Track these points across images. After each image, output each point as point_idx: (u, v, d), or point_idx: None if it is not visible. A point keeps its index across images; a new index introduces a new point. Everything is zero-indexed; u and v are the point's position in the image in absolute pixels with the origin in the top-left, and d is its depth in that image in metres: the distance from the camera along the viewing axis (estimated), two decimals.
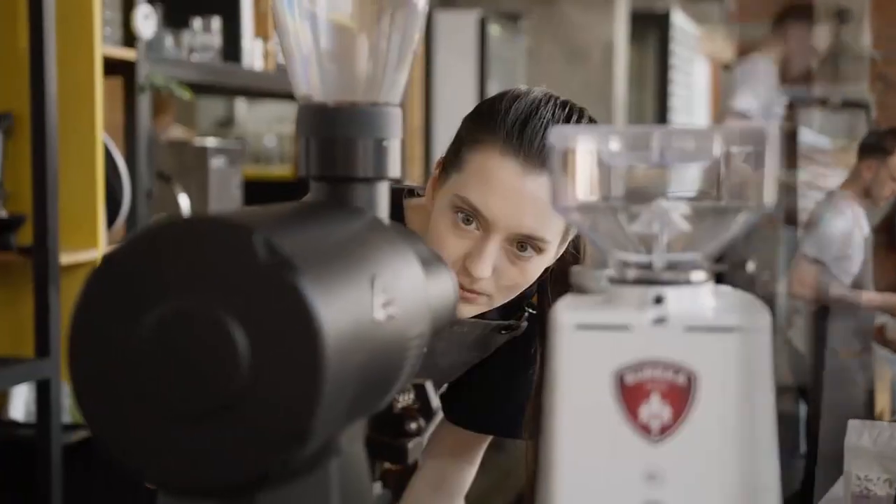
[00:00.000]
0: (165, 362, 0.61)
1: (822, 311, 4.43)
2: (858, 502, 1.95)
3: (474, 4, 5.18)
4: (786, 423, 4.15)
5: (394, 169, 0.82)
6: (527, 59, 5.41)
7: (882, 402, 4.59)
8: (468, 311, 1.32)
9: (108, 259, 0.63)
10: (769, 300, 4.67)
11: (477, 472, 1.60)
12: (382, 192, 0.82)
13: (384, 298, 0.69)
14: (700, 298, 0.70)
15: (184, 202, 2.99)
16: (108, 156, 2.60)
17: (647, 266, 0.71)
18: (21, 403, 2.66)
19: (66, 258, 2.44)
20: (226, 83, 3.23)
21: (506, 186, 1.25)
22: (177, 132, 4.08)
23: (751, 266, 3.61)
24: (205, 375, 0.60)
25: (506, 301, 1.34)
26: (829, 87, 8.37)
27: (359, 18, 0.83)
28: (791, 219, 4.98)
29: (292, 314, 0.60)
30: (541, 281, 1.38)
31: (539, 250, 1.28)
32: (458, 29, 5.05)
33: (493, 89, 6.55)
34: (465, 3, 5.30)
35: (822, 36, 4.67)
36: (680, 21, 7.67)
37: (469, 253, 1.28)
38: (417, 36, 0.85)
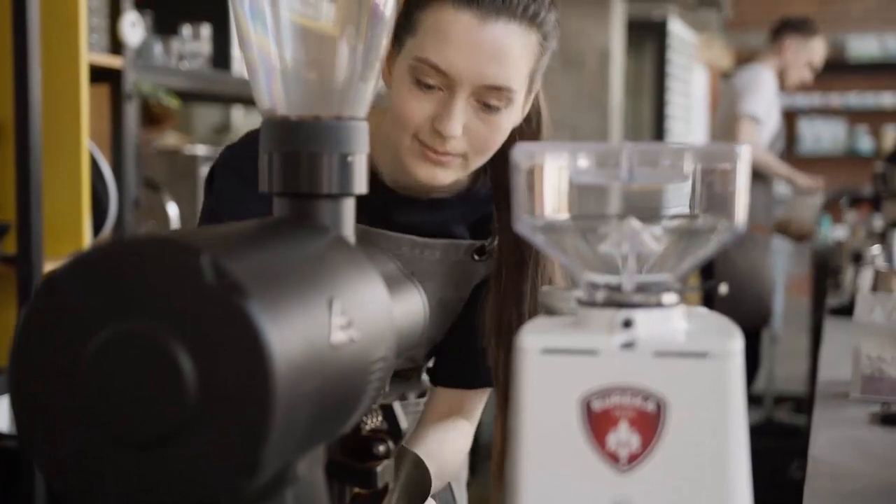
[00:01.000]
0: (109, 387, 0.59)
1: None
2: (870, 384, 1.80)
3: None
4: None
5: (360, 185, 0.79)
6: None
7: None
8: (445, 175, 1.30)
9: (52, 279, 0.61)
10: (764, 314, 4.67)
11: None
12: (348, 209, 0.79)
13: (343, 321, 0.67)
14: (671, 322, 0.67)
15: (172, 211, 2.96)
16: (95, 164, 2.58)
17: (617, 287, 0.68)
18: (5, 413, 2.64)
19: (50, 267, 2.41)
20: (215, 91, 3.21)
21: (464, 38, 1.22)
22: (171, 139, 4.06)
23: (723, 288, 3.64)
24: (149, 402, 0.58)
25: (481, 164, 1.31)
26: None
27: (322, 28, 0.80)
28: (783, 228, 4.99)
29: (240, 339, 0.57)
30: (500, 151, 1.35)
31: (507, 101, 1.25)
32: None
33: None
34: None
35: (818, 48, 4.70)
36: (677, 29, 7.64)
37: (436, 114, 1.25)
38: (384, 44, 0.83)
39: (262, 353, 0.57)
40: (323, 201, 0.78)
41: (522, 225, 0.69)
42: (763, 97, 4.56)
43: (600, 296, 0.68)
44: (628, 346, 0.65)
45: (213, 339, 0.57)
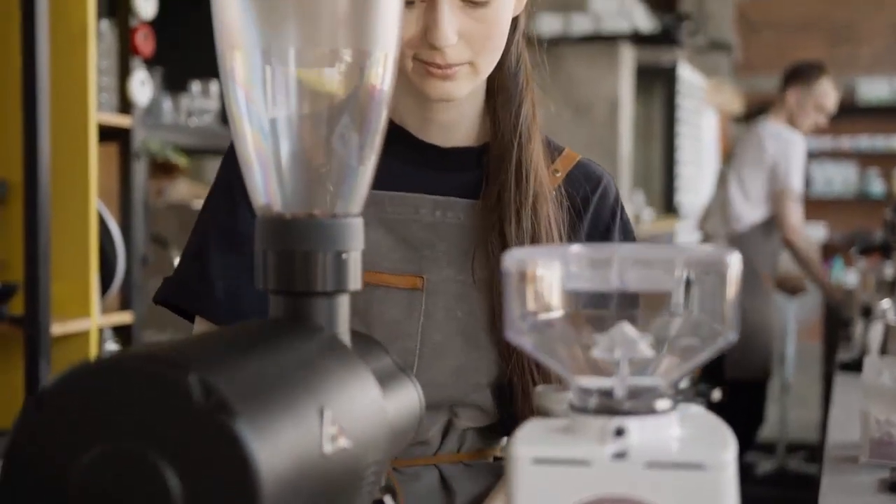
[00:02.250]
0: None
1: (753, 232, 4.55)
2: (879, 449, 1.76)
3: None
4: None
5: (355, 281, 0.79)
6: None
7: None
8: (456, 88, 1.23)
9: (40, 397, 0.61)
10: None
11: None
12: (343, 306, 0.79)
13: (335, 430, 0.66)
14: (664, 429, 0.67)
15: None
16: (103, 223, 2.59)
17: (609, 393, 0.68)
18: None
19: (58, 328, 2.42)
20: (224, 147, 3.22)
21: None
22: (182, 187, 4.08)
23: (716, 395, 3.70)
24: None
25: (491, 66, 1.24)
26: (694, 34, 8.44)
27: (317, 125, 0.81)
28: (780, 283, 4.98)
29: (228, 459, 0.57)
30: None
31: None
32: None
33: None
34: None
35: (823, 91, 4.71)
36: (687, 74, 7.67)
37: (426, 27, 1.19)
38: (378, 140, 0.83)
39: (250, 473, 0.57)
40: (317, 299, 0.78)
41: (512, 329, 0.69)
42: (801, 168, 4.61)
43: (592, 402, 0.68)
44: (620, 455, 0.65)
45: (202, 458, 0.57)
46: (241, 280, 1.26)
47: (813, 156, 10.18)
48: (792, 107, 4.68)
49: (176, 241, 3.06)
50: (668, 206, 7.50)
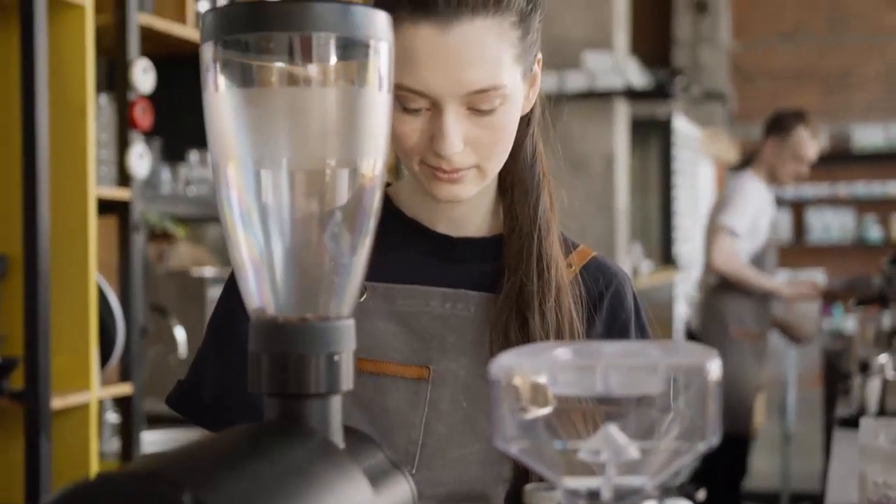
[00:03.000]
0: None
1: (720, 288, 4.53)
2: None
3: None
4: None
5: (346, 382, 0.81)
6: None
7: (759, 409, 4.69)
8: (463, 190, 1.23)
9: None
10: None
11: None
12: (335, 406, 0.81)
13: None
14: None
15: (180, 335, 2.98)
16: (102, 295, 2.61)
17: (596, 494, 0.70)
18: None
19: (58, 402, 2.43)
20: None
21: (430, 52, 1.15)
22: (183, 251, 4.10)
23: (701, 495, 3.74)
24: None
25: (499, 167, 1.24)
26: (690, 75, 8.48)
27: (309, 230, 0.83)
28: (782, 327, 4.98)
29: None
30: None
31: (501, 99, 1.18)
32: None
33: None
34: None
35: (800, 140, 4.70)
36: (682, 125, 7.73)
37: (431, 135, 1.18)
38: (368, 241, 0.85)
39: None
40: (311, 401, 0.79)
41: (500, 435, 0.71)
42: (745, 212, 4.59)
43: (580, 503, 0.69)
44: None
45: None
46: (232, 388, 1.29)
47: (810, 202, 10.24)
48: (769, 158, 4.70)
49: (175, 310, 3.07)
50: (666, 257, 7.53)
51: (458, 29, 1.15)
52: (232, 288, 1.36)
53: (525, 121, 1.30)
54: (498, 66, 1.17)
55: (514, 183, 1.32)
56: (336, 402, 0.81)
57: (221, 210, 0.83)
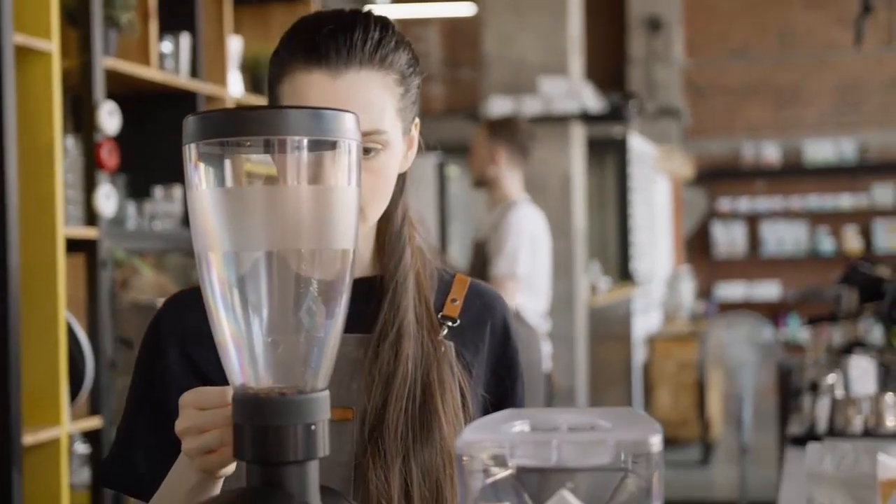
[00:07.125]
0: None
1: None
2: None
3: (431, 148, 5.29)
4: None
5: (323, 448, 0.89)
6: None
7: None
8: None
9: None
10: None
11: None
12: (313, 471, 0.89)
13: None
14: None
15: None
16: (71, 331, 2.66)
17: None
18: None
19: (29, 438, 2.48)
20: (187, 249, 3.32)
21: (320, 96, 1.23)
22: (147, 278, 4.12)
23: None
24: None
25: (378, 213, 1.29)
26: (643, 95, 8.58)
27: (286, 313, 0.91)
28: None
29: None
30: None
31: (383, 144, 1.25)
32: (418, 172, 5.17)
33: (454, 228, 6.70)
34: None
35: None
36: (637, 143, 7.85)
37: None
38: (341, 318, 0.93)
39: None
40: (290, 468, 0.87)
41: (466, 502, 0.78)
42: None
43: None
44: None
45: None
46: (169, 454, 1.20)
47: (764, 216, 10.41)
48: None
49: (140, 341, 3.12)
50: (623, 273, 7.64)
51: (347, 77, 1.24)
52: (156, 351, 1.35)
53: (401, 181, 1.35)
54: (382, 113, 1.26)
55: (385, 243, 1.35)
56: (313, 467, 0.89)
57: (204, 293, 0.91)
